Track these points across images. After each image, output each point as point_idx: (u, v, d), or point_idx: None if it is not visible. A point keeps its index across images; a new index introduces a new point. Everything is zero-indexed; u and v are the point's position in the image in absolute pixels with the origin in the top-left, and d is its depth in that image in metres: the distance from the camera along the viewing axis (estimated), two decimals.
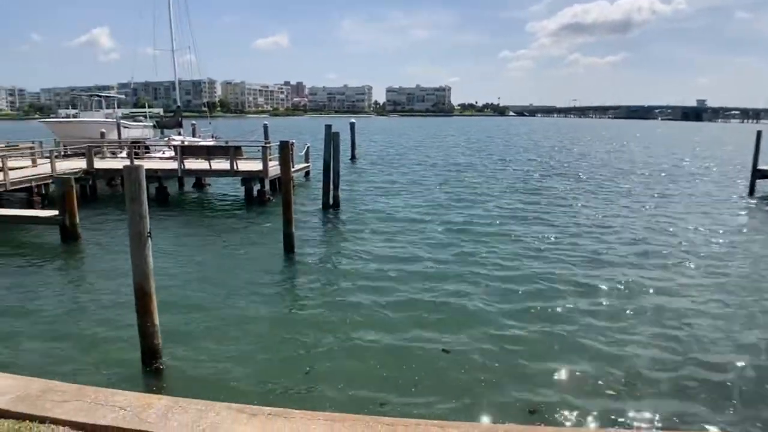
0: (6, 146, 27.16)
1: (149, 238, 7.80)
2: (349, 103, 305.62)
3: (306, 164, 28.47)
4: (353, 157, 40.41)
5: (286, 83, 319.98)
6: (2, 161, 19.35)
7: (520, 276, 12.71)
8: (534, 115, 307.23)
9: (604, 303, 11.10)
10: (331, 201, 20.62)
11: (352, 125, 40.95)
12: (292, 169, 20.75)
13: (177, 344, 8.90)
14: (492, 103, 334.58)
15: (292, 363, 8.50)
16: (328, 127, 20.63)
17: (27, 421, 4.62)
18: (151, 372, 8.08)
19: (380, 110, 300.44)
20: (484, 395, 7.49)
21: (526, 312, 10.51)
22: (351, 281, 12.40)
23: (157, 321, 8.23)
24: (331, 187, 20.61)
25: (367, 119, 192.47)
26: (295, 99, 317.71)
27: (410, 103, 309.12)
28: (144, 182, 7.71)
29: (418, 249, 15.18)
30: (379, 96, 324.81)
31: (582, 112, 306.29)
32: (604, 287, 11.99)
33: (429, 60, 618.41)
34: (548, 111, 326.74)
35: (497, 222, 18.82)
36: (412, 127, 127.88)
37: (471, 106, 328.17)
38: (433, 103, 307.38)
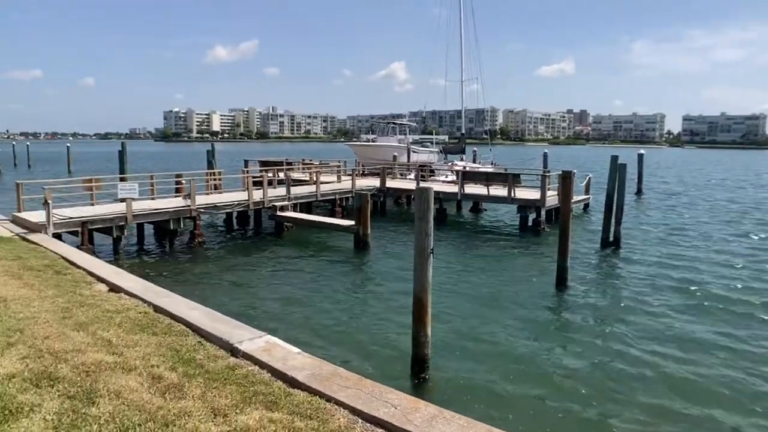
0: (320, 164, 31.99)
1: (431, 255, 8.29)
2: (637, 132, 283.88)
3: (586, 196, 27.25)
4: (639, 191, 37.32)
5: (569, 111, 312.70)
6: (317, 176, 22.96)
7: None
8: None
9: None
10: (611, 237, 19.24)
11: (641, 156, 37.92)
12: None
13: (443, 357, 9.28)
14: None
15: (554, 398, 8.17)
16: (615, 157, 19.40)
17: (317, 396, 5.25)
18: (417, 378, 8.54)
19: (674, 140, 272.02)
20: None
21: None
22: (625, 330, 11.19)
23: (429, 332, 8.69)
24: (613, 222, 19.26)
25: (657, 150, 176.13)
26: (577, 127, 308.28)
27: (712, 133, 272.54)
28: (432, 203, 8.24)
29: (713, 313, 12.37)
30: (673, 125, 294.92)
31: None
32: None
33: (737, 84, 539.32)
34: None
35: None
36: (712, 160, 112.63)
37: None
38: (741, 134, 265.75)
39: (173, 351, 6.15)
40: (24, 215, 16.11)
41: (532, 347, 10.22)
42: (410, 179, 30.95)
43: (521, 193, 23.22)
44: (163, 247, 18.44)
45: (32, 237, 13.97)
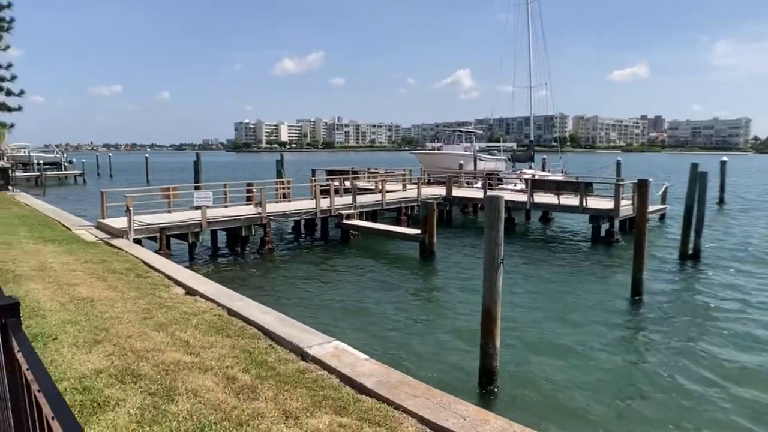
0: (385, 173, 32.19)
1: (501, 265, 8.14)
2: (718, 138, 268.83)
3: (662, 206, 26.06)
4: (721, 201, 35.35)
5: (643, 117, 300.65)
6: (382, 185, 23.12)
7: None
8: None
9: None
10: (690, 250, 18.25)
11: (723, 164, 35.95)
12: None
13: (512, 370, 9.08)
14: None
15: (628, 415, 7.84)
16: (695, 165, 18.45)
17: (385, 404, 5.25)
18: (485, 390, 8.38)
19: (761, 147, 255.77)
20: None
21: None
22: (703, 350, 10.47)
23: (498, 344, 8.53)
24: (692, 234, 18.29)
25: (742, 157, 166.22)
26: (651, 134, 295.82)
27: None
28: (503, 211, 8.10)
29: None
30: (760, 130, 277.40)
31: None
32: None
33: None
34: None
35: None
36: None
37: None
38: None
39: (246, 353, 6.31)
40: (107, 221, 17.05)
41: (604, 362, 9.84)
42: (477, 188, 30.63)
43: (593, 203, 22.50)
44: (234, 252, 19.04)
45: (115, 242, 14.76)
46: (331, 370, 6.10)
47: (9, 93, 25.77)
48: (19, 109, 26.98)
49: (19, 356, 1.56)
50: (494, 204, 8.10)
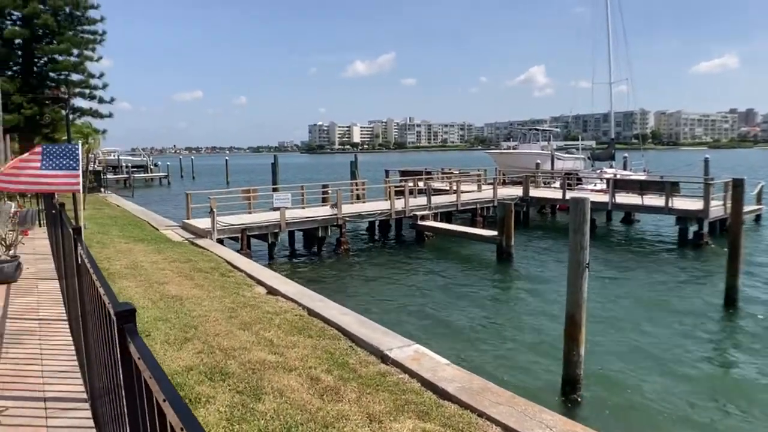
0: (459, 173, 31.87)
1: (587, 269, 7.83)
2: None
3: (758, 206, 24.34)
4: None
5: (732, 111, 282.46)
6: (457, 185, 22.89)
7: None
8: None
9: None
10: None
11: None
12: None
13: (596, 378, 8.71)
14: None
15: (723, 428, 7.32)
16: None
17: (468, 410, 5.14)
18: (568, 399, 8.09)
19: None
20: None
21: None
22: None
23: (582, 352, 8.21)
24: None
25: None
26: (742, 128, 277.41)
27: None
28: (588, 214, 7.79)
29: None
30: None
31: None
32: None
33: None
34: None
35: None
36: None
37: None
38: None
39: (328, 354, 6.37)
40: (192, 222, 17.81)
41: (694, 373, 9.27)
42: (555, 188, 29.76)
43: (680, 203, 21.30)
44: (311, 252, 19.41)
45: (199, 241, 15.39)
46: (412, 374, 6.05)
47: (101, 101, 27.44)
48: (110, 115, 28.69)
49: (133, 350, 1.64)
50: (580, 206, 7.80)
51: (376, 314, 10.31)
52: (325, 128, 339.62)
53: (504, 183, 31.51)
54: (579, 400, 8.11)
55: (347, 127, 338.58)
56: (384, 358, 6.48)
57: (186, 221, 18.22)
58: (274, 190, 23.09)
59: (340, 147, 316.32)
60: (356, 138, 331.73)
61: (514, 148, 43.85)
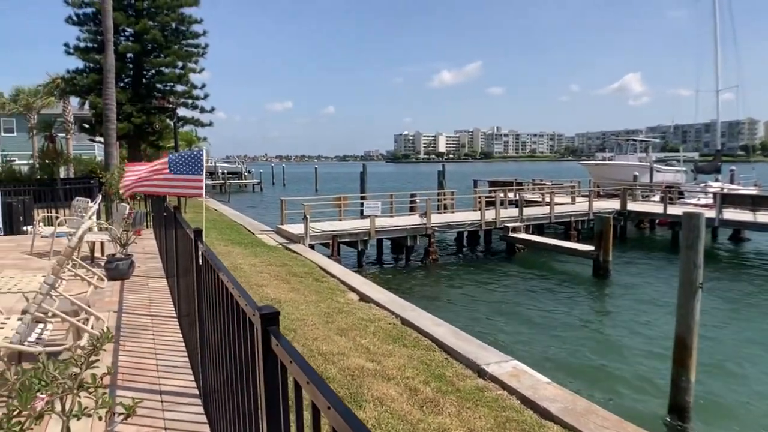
0: (552, 184, 30.93)
1: (700, 290, 7.30)
2: None
3: None
4: None
5: None
6: (551, 197, 22.20)
7: None
8: None
9: None
10: None
11: None
12: None
13: (707, 406, 8.08)
14: None
15: None
16: None
17: None
18: (676, 428, 7.55)
19: None
20: None
21: None
22: None
23: (693, 378, 7.65)
24: None
25: None
26: None
27: None
28: (703, 230, 7.27)
29: None
30: None
31: None
32: None
33: None
34: None
35: None
36: None
37: None
38: None
39: (424, 365, 6.29)
40: (286, 227, 18.35)
41: None
42: (654, 201, 28.18)
43: None
44: (399, 261, 19.44)
45: (293, 246, 15.81)
46: (511, 391, 5.86)
47: (202, 110, 28.91)
48: (210, 124, 30.14)
49: (278, 349, 1.68)
50: (693, 222, 7.28)
51: (465, 326, 10.09)
52: (411, 137, 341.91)
53: (599, 195, 30.24)
54: (687, 428, 7.55)
55: (433, 136, 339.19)
56: (481, 373, 6.32)
57: (280, 226, 18.80)
58: (362, 198, 23.38)
59: (425, 156, 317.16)
60: (442, 147, 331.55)
61: (609, 159, 42.07)
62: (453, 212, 23.04)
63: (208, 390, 3.81)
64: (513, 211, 22.34)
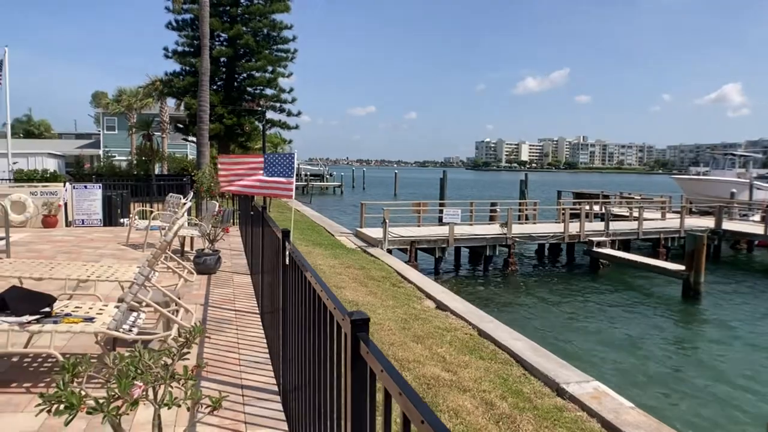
0: (641, 198, 29.50)
1: None
2: None
3: None
4: None
5: None
6: (640, 212, 21.16)
7: None
8: None
9: None
10: None
11: None
12: None
13: None
14: None
15: None
16: None
17: None
18: None
19: None
20: None
21: None
22: None
23: None
24: None
25: None
26: None
27: None
28: None
29: None
30: None
31: None
32: None
33: None
34: None
35: None
36: None
37: None
38: None
39: (501, 379, 6.14)
40: (365, 231, 18.54)
41: None
42: (753, 221, 26.23)
43: None
44: (476, 270, 19.16)
45: (371, 250, 15.94)
46: (592, 413, 5.61)
47: (289, 113, 29.78)
48: (296, 127, 30.99)
49: (368, 356, 1.67)
50: None
51: (544, 342, 9.78)
52: (493, 145, 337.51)
53: (691, 212, 28.52)
54: None
55: (515, 144, 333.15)
56: (560, 392, 6.09)
57: (359, 229, 19.02)
58: (442, 205, 23.26)
59: (506, 164, 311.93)
60: (524, 156, 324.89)
61: (704, 174, 39.64)
62: (535, 223, 22.46)
63: (288, 388, 3.87)
64: (598, 225, 21.47)
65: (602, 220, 21.80)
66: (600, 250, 19.18)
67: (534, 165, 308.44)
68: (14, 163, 18.28)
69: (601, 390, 6.20)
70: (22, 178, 17.11)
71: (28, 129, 69.27)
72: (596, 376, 7.09)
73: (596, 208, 25.42)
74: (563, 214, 20.61)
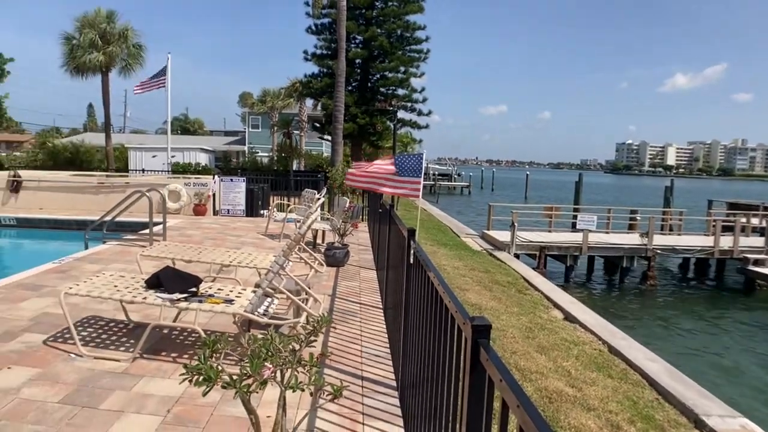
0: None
1: None
2: None
3: None
4: None
5: None
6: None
7: None
8: None
9: None
10: None
11: None
12: None
13: None
14: None
15: None
16: None
17: None
18: None
19: None
20: None
21: None
22: None
23: None
24: None
25: None
26: None
27: None
28: None
29: None
30: None
31: None
32: None
33: None
34: None
35: None
36: None
37: None
38: None
39: (630, 401, 5.74)
40: (492, 233, 18.23)
41: None
42: None
43: None
44: (611, 282, 18.07)
45: (497, 254, 15.64)
46: None
47: (420, 113, 30.04)
48: (427, 126, 31.17)
49: (487, 364, 1.64)
50: None
51: (682, 367, 8.98)
52: (635, 147, 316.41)
53: None
54: None
55: (661, 147, 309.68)
56: (699, 424, 5.57)
57: (486, 231, 18.75)
58: (576, 210, 22.19)
59: (650, 169, 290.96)
60: (670, 160, 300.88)
61: None
62: (680, 235, 20.69)
63: (406, 384, 3.90)
64: (757, 240, 19.30)
65: (762, 234, 19.57)
66: (757, 269, 17.19)
67: (682, 170, 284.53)
68: (172, 156, 20.29)
69: (749, 429, 5.60)
70: (178, 170, 18.94)
71: (184, 126, 76.80)
72: (745, 413, 6.40)
73: (755, 221, 22.82)
74: (714, 226, 18.79)
